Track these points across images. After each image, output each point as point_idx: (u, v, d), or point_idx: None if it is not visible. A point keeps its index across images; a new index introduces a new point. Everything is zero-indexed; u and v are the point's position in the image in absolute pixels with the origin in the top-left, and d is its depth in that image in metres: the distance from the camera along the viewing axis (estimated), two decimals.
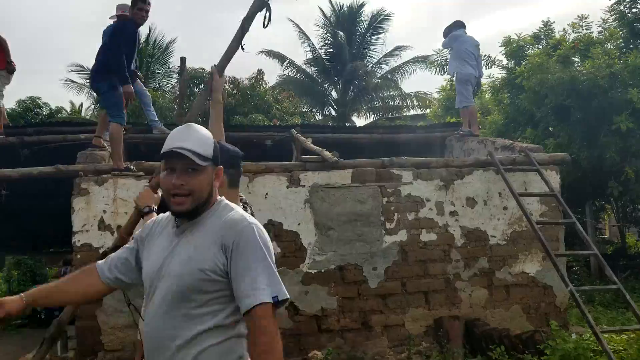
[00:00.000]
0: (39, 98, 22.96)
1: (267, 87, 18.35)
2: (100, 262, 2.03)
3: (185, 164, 1.76)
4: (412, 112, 22.78)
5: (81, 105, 24.26)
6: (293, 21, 23.10)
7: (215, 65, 3.58)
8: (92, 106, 22.22)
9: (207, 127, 2.04)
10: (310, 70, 23.13)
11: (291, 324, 5.85)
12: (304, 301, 5.93)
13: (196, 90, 18.96)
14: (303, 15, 54.51)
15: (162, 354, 1.75)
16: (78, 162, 6.13)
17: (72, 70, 21.07)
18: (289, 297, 1.76)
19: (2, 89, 7.99)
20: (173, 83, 21.40)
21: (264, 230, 1.83)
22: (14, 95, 35.22)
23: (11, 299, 1.90)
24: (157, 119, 8.11)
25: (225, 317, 1.76)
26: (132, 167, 5.97)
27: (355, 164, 6.37)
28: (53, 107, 23.48)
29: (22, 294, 1.93)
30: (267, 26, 3.43)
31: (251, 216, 1.86)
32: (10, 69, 7.68)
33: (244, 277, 1.70)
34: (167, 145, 1.79)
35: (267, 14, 3.37)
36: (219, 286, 1.73)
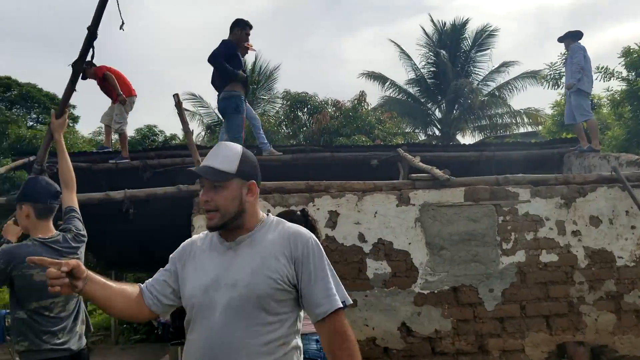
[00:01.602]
0: (155, 126, 24.67)
1: (369, 108, 18.43)
2: (142, 285, 2.02)
3: (210, 181, 1.84)
4: (522, 130, 21.92)
5: (192, 132, 25.65)
6: (394, 42, 23.03)
7: (53, 109, 3.83)
8: (202, 132, 23.43)
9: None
10: (412, 90, 22.99)
11: (403, 344, 5.72)
12: (417, 322, 5.78)
13: (300, 113, 19.49)
14: (404, 36, 54.41)
15: None
16: (197, 182, 6.43)
17: (185, 99, 22.36)
18: (352, 302, 1.89)
19: (125, 116, 8.64)
20: (277, 108, 22.11)
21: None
22: (134, 123, 37.97)
23: (85, 276, 1.80)
24: (266, 141, 8.38)
25: (289, 326, 1.83)
26: None
27: (468, 181, 6.18)
28: (167, 134, 25.11)
29: (90, 279, 1.83)
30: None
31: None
32: (121, 99, 8.27)
33: (317, 285, 1.80)
34: (202, 164, 1.90)
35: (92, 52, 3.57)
36: (287, 296, 1.80)
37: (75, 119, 27.80)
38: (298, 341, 1.87)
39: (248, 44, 6.50)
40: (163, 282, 1.95)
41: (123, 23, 3.77)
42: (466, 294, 5.85)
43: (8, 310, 11.52)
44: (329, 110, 18.25)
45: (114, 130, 8.65)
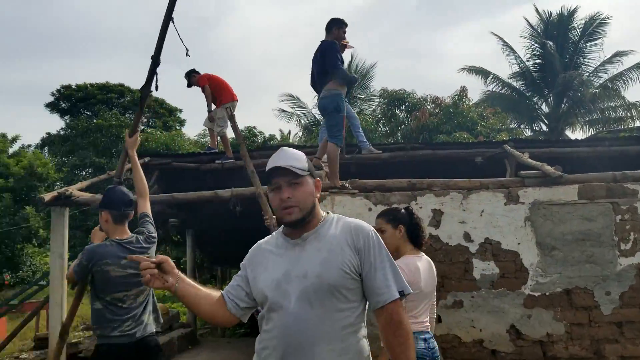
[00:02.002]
0: (254, 127, 25.41)
1: (470, 104, 17.89)
2: (223, 291, 2.12)
3: (288, 179, 1.95)
4: (638, 124, 20.34)
5: (289, 133, 26.19)
6: (496, 34, 22.16)
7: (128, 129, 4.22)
8: (300, 133, 23.84)
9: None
10: (516, 84, 22.01)
11: (513, 348, 5.50)
12: (527, 325, 5.54)
13: (398, 111, 19.28)
14: (506, 28, 52.35)
15: (303, 350, 1.85)
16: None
17: (282, 100, 22.85)
18: (411, 291, 2.00)
19: (226, 119, 8.98)
20: (374, 106, 22.02)
21: None
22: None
23: (176, 273, 1.94)
24: (365, 139, 8.37)
25: (358, 315, 1.93)
26: (347, 185, 6.20)
27: (582, 178, 5.83)
28: (267, 134, 25.81)
29: (182, 279, 1.96)
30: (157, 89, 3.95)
31: None
32: (210, 116, 8.76)
33: (377, 274, 1.91)
34: (269, 167, 1.98)
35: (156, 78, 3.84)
36: (355, 284, 1.91)
37: (182, 122, 29.35)
38: (365, 331, 1.96)
39: (345, 41, 6.52)
40: (237, 287, 2.07)
41: (187, 50, 4.25)
42: (580, 296, 5.53)
43: None
44: (428, 107, 17.90)
45: (216, 133, 9.02)
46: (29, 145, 26.81)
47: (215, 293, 2.09)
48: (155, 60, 4.20)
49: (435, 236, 5.74)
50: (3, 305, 10.75)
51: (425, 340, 3.15)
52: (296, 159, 1.98)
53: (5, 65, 69.45)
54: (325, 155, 6.40)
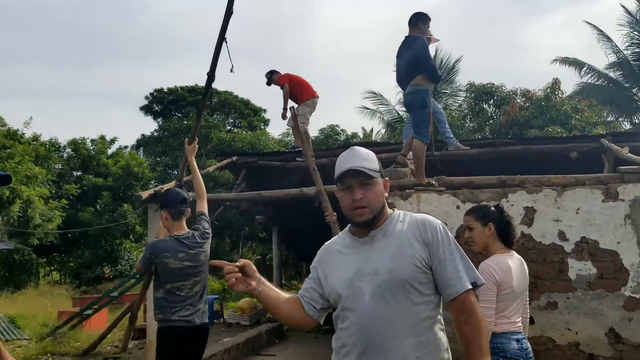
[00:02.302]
0: (337, 125, 25.54)
1: (564, 97, 17.03)
2: (298, 295, 2.15)
3: (360, 180, 1.96)
4: None
5: (372, 130, 26.09)
6: (590, 23, 20.96)
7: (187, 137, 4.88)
8: (383, 130, 23.69)
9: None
10: (614, 74, 20.71)
11: (612, 352, 5.19)
12: (627, 329, 5.21)
13: (485, 106, 18.71)
14: (600, 16, 49.43)
15: (382, 346, 1.86)
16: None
17: (365, 98, 22.80)
18: (484, 281, 1.99)
19: (308, 116, 9.09)
20: (460, 101, 21.50)
21: None
22: (317, 124, 39.80)
23: (258, 277, 1.97)
24: (452, 135, 8.18)
25: (433, 308, 1.93)
26: (433, 182, 6.09)
27: None
28: (349, 132, 25.86)
29: (264, 283, 2.00)
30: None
31: None
32: (282, 115, 8.97)
33: (447, 266, 1.91)
34: (341, 167, 2.00)
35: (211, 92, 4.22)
36: (427, 278, 1.92)
37: (266, 122, 29.99)
38: (441, 324, 1.97)
39: (430, 35, 6.40)
40: (311, 289, 2.10)
41: (232, 67, 4.76)
42: None
43: (216, 296, 12.81)
44: (518, 100, 17.23)
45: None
46: (126, 147, 28.42)
47: (293, 298, 2.12)
48: (211, 77, 4.75)
49: (528, 235, 5.53)
50: (104, 297, 11.48)
51: (518, 340, 3.07)
52: (368, 159, 2.00)
53: (104, 71, 73.99)
54: (411, 153, 6.32)
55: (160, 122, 28.71)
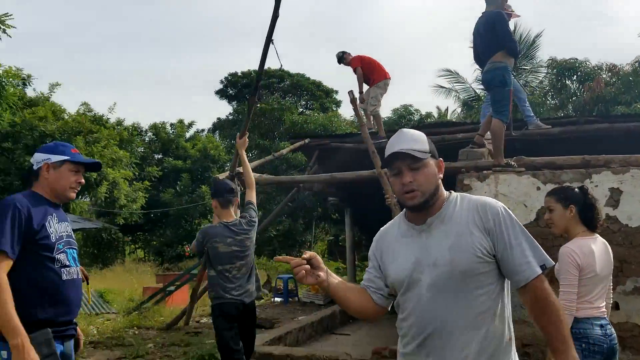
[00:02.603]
0: (410, 105, 25.16)
1: None
2: (363, 284, 2.12)
3: (408, 163, 1.88)
4: None
5: (447, 109, 25.50)
6: None
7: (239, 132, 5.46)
8: (458, 109, 23.10)
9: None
10: None
11: None
12: None
13: (568, 82, 17.84)
14: None
15: (441, 339, 1.81)
16: (459, 160, 6.37)
17: (440, 76, 22.25)
18: (553, 263, 1.85)
19: (379, 97, 8.98)
20: (541, 77, 20.59)
21: None
22: (390, 104, 39.36)
23: (325, 269, 1.96)
24: (532, 114, 7.87)
25: (496, 297, 1.84)
26: (512, 163, 5.90)
27: None
28: (423, 113, 25.41)
29: (330, 275, 1.99)
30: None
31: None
32: (351, 99, 8.66)
33: (514, 252, 1.80)
34: (388, 151, 1.93)
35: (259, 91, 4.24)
36: (488, 267, 1.81)
37: (338, 104, 29.97)
38: (508, 311, 1.88)
39: (509, 10, 6.16)
40: (375, 279, 2.07)
41: (282, 65, 5.28)
42: None
43: (291, 275, 13.06)
44: (604, 76, 16.32)
45: (369, 112, 9.05)
46: (202, 130, 29.29)
47: (359, 288, 2.11)
48: (259, 76, 5.34)
49: (613, 217, 5.27)
50: (185, 274, 11.97)
51: (601, 326, 2.96)
52: (416, 141, 1.92)
53: (182, 57, 76.34)
54: (489, 132, 6.14)
55: (235, 106, 29.34)
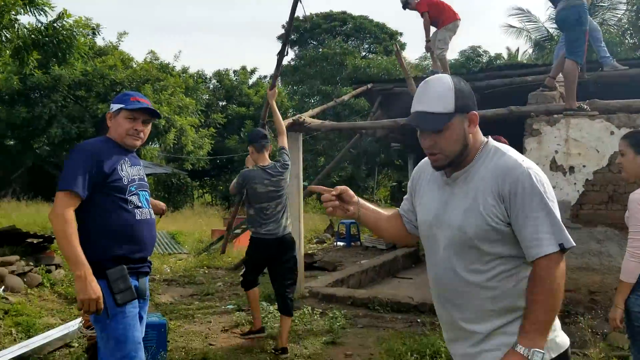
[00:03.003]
0: (479, 47, 24.23)
1: None
2: (400, 211, 2.08)
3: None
4: None
5: (517, 50, 24.39)
6: None
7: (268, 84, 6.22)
8: (530, 50, 22.06)
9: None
10: None
11: None
12: None
13: None
14: None
15: (453, 297, 1.78)
16: (529, 104, 6.14)
17: (511, 15, 21.21)
18: (574, 244, 1.65)
19: (448, 40, 8.67)
20: (619, 15, 19.26)
21: (542, 174, 1.70)
22: (457, 46, 38.05)
23: (356, 202, 1.97)
24: (608, 54, 7.42)
25: (510, 261, 1.70)
26: (585, 107, 5.65)
27: None
28: (492, 54, 24.43)
29: (362, 206, 1.99)
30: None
31: (527, 160, 1.73)
32: (426, 47, 8.36)
33: (526, 226, 1.64)
34: (412, 107, 1.78)
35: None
36: (502, 234, 1.68)
37: (402, 46, 29.25)
38: (525, 272, 1.70)
39: None
40: (409, 211, 2.04)
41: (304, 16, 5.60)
42: None
43: (353, 220, 13.22)
44: None
45: (436, 56, 8.78)
46: (265, 76, 29.40)
47: (395, 214, 2.09)
48: (288, 32, 6.64)
49: None
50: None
51: None
52: (439, 98, 1.70)
53: (243, 3, 75.97)
54: (561, 74, 5.87)
55: (297, 51, 29.18)
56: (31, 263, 6.45)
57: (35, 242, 6.78)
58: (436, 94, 1.72)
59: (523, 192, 1.64)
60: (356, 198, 1.97)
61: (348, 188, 1.96)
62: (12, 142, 17.37)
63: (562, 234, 1.64)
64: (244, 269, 5.24)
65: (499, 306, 1.71)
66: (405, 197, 2.09)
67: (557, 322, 1.75)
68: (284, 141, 5.14)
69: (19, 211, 11.70)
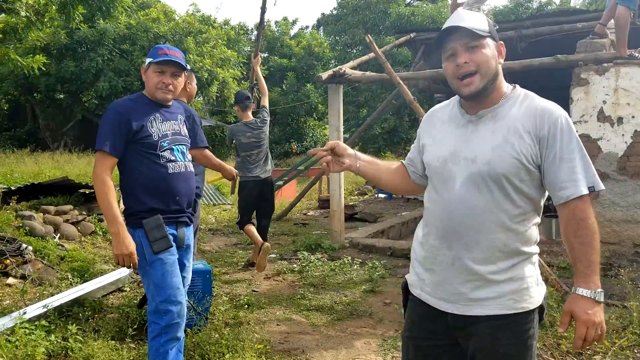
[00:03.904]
0: None
1: None
2: (404, 161, 2.07)
3: (464, 43, 1.70)
4: None
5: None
6: None
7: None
8: None
9: None
10: None
11: None
12: None
13: None
14: None
15: (467, 235, 1.72)
16: (577, 52, 5.93)
17: None
18: (603, 187, 1.70)
19: None
20: None
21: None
22: None
23: (352, 154, 1.96)
24: None
25: (532, 204, 1.73)
26: (636, 55, 5.42)
27: None
28: (542, 0, 23.37)
29: (360, 158, 1.97)
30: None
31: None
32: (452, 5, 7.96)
33: (562, 166, 1.65)
34: (443, 28, 1.74)
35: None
36: (530, 175, 1.69)
37: None
38: (536, 219, 1.76)
39: None
40: (415, 159, 2.01)
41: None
42: None
43: None
44: None
45: (473, 7, 8.47)
46: (307, 27, 29.05)
47: (396, 164, 2.09)
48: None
49: None
50: (292, 170, 12.45)
51: None
52: (474, 18, 1.72)
53: None
54: (612, 21, 5.62)
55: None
56: (84, 212, 6.76)
57: (87, 192, 7.08)
58: (471, 17, 1.74)
59: (562, 135, 1.66)
60: (352, 151, 1.96)
61: (340, 142, 1.96)
62: (62, 96, 17.87)
63: (594, 177, 1.67)
64: (239, 216, 5.99)
65: (509, 248, 1.71)
66: (412, 146, 2.06)
67: (538, 273, 1.79)
68: (266, 101, 6.18)
69: (71, 163, 12.14)
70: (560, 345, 3.59)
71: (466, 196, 1.72)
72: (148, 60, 2.87)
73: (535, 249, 1.77)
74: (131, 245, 2.67)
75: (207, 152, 3.52)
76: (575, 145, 1.67)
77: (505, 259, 1.71)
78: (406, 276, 1.98)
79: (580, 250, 1.66)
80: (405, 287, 1.95)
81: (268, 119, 6.09)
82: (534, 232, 1.76)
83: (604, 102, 5.55)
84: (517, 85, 1.80)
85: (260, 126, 5.94)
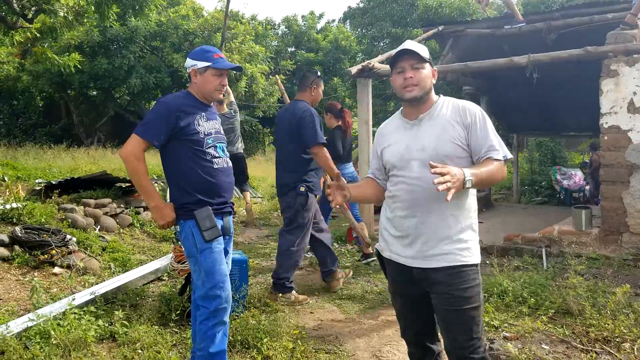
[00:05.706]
0: None
1: None
2: (370, 175, 2.62)
3: (412, 63, 2.32)
4: None
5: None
6: None
7: None
8: None
9: None
10: None
11: None
12: None
13: None
14: None
15: (424, 203, 2.28)
16: (607, 43, 5.92)
17: None
18: (512, 156, 2.37)
19: None
20: None
21: None
22: None
23: (349, 188, 2.44)
24: None
25: None
26: None
27: None
28: None
29: (350, 186, 2.45)
30: None
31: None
32: None
33: (482, 140, 2.28)
34: (396, 52, 2.35)
35: None
36: (465, 154, 2.30)
37: None
38: (474, 191, 2.38)
39: None
40: (378, 167, 2.55)
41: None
42: None
43: None
44: None
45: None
46: (333, 20, 29.07)
47: (371, 182, 2.59)
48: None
49: None
50: None
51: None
52: (421, 48, 2.33)
53: None
54: None
55: None
56: (122, 205, 7.01)
57: (124, 186, 7.33)
58: (418, 45, 2.36)
59: (481, 121, 2.30)
60: (344, 181, 2.44)
61: (341, 178, 2.44)
62: (95, 93, 18.29)
63: (504, 148, 2.30)
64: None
65: (456, 211, 2.28)
66: (372, 159, 2.65)
67: (477, 236, 2.37)
68: (232, 97, 8.14)
69: (105, 158, 12.47)
70: (589, 333, 3.66)
71: (421, 175, 2.27)
72: (204, 64, 3.04)
73: (475, 215, 2.37)
74: (171, 214, 2.96)
75: (314, 149, 4.63)
76: (490, 128, 2.30)
77: (456, 224, 2.28)
78: (376, 245, 2.55)
79: (485, 169, 2.19)
80: (379, 254, 2.51)
81: (237, 112, 8.16)
82: (473, 202, 2.36)
83: (634, 93, 5.53)
84: (441, 94, 2.44)
85: (234, 115, 8.02)
